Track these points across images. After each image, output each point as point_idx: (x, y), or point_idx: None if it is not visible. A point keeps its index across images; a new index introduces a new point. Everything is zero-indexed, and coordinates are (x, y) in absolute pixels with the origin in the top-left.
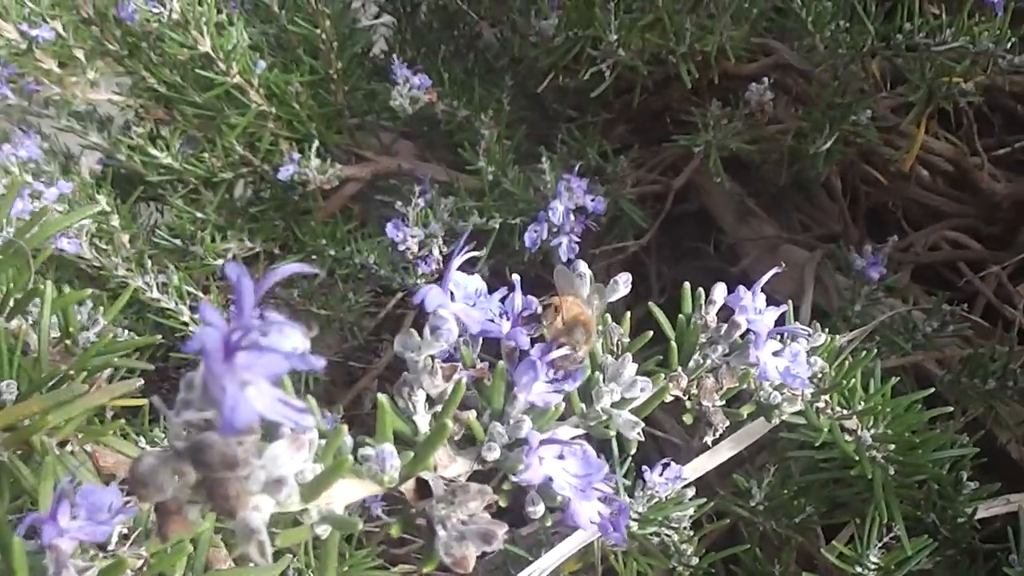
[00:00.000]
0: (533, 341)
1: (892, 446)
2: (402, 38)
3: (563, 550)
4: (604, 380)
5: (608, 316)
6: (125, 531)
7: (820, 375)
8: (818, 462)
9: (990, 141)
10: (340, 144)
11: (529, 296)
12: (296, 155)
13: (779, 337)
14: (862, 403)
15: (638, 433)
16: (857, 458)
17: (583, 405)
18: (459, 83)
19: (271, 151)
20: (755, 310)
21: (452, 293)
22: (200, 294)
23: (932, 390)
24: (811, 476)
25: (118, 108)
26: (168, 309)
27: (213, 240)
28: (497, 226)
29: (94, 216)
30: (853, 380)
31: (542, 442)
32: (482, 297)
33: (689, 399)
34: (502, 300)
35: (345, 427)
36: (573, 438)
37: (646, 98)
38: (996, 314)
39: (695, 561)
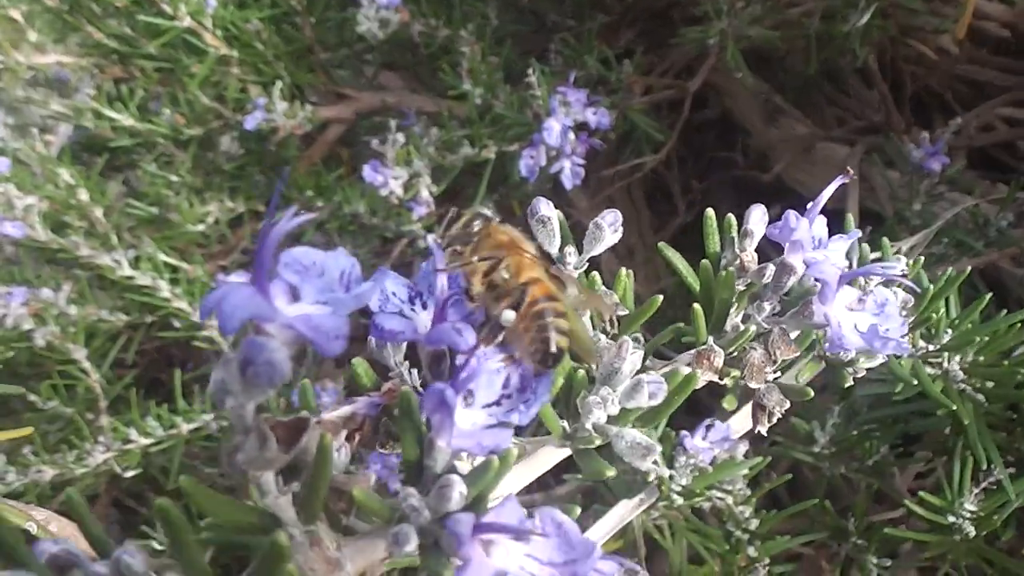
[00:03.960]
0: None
1: (985, 380)
2: None
3: (600, 531)
4: (594, 383)
5: (596, 276)
6: None
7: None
8: (889, 394)
9: None
10: (316, 84)
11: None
12: (262, 100)
13: (857, 282)
14: (948, 332)
15: (654, 462)
16: (947, 397)
17: (564, 422)
18: None
19: (240, 99)
20: (815, 242)
21: (291, 286)
22: (183, 264)
23: None
24: (882, 412)
25: (71, 71)
26: (144, 286)
27: (191, 204)
28: (493, 156)
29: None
30: (939, 313)
31: (479, 528)
32: (352, 283)
33: (728, 380)
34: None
35: None
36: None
37: None
38: None
39: (755, 525)
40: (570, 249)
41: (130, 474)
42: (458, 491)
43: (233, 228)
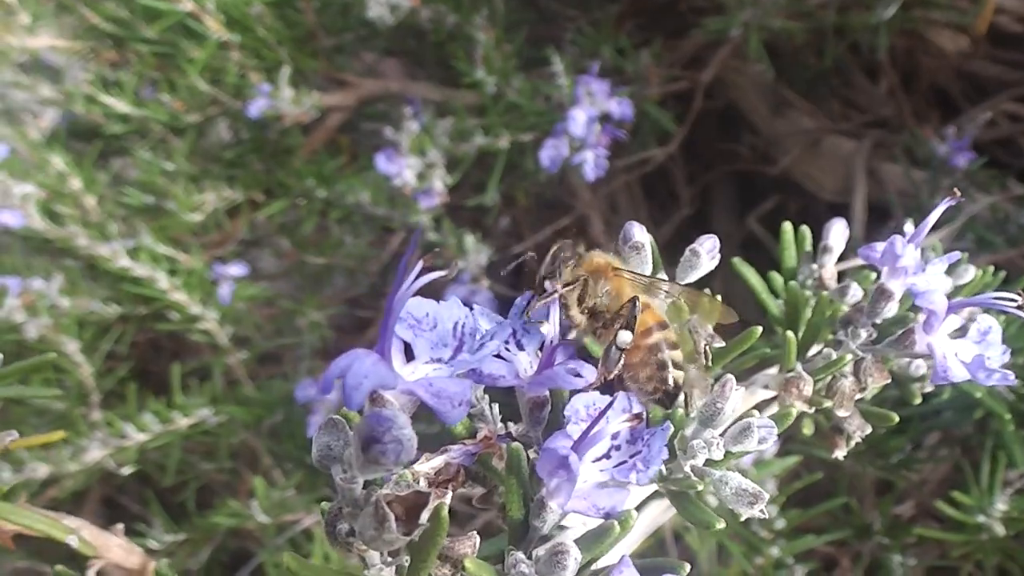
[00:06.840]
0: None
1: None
2: None
3: (634, 533)
4: (692, 423)
5: (683, 301)
6: None
7: None
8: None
9: None
10: (318, 70)
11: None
12: (266, 87)
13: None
14: None
15: (761, 511)
16: (989, 400)
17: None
18: None
19: (240, 85)
20: (916, 268)
21: (406, 344)
22: (180, 255)
23: None
24: (909, 410)
25: (64, 55)
26: (141, 278)
27: (187, 193)
28: (507, 145)
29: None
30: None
31: None
32: (466, 336)
33: (814, 408)
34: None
35: None
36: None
37: None
38: None
39: (781, 524)
40: (661, 275)
41: (126, 471)
42: (573, 558)
43: (231, 217)
